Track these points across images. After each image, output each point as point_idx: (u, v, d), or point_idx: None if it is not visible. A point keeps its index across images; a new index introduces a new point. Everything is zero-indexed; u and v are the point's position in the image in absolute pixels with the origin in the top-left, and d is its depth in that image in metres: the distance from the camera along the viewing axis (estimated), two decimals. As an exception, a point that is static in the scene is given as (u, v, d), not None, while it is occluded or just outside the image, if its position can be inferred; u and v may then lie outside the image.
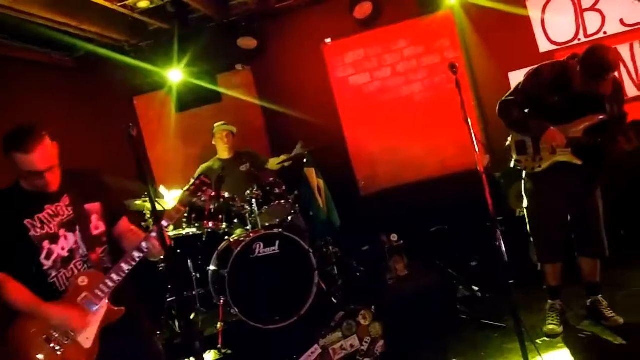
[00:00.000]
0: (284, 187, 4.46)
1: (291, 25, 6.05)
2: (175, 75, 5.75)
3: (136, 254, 2.43)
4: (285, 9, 5.93)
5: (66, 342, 2.32)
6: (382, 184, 6.09)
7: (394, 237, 4.77)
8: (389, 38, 5.95)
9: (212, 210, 4.14)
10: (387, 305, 4.03)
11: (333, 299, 4.31)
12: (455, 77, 3.02)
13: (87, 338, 2.35)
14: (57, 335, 2.32)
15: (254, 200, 4.30)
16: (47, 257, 2.37)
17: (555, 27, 5.56)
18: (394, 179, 6.06)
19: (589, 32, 5.49)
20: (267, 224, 4.36)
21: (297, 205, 4.53)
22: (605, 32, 5.45)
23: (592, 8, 5.45)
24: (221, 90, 6.12)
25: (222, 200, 4.24)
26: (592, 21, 5.46)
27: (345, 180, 5.99)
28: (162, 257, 2.46)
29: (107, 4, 4.67)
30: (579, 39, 5.52)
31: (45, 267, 2.37)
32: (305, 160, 4.65)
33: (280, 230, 4.15)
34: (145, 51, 5.95)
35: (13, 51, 5.25)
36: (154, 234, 2.41)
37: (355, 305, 3.79)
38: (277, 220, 4.44)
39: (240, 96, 6.05)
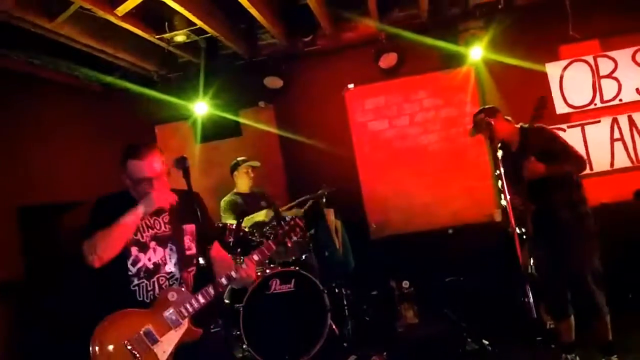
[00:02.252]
0: (302, 224, 4.50)
1: (317, 68, 6.23)
2: (201, 107, 5.88)
3: (224, 281, 2.53)
4: (312, 52, 6.11)
5: (145, 352, 2.38)
6: (392, 229, 6.14)
7: (406, 284, 4.81)
8: (410, 88, 6.13)
9: (232, 244, 4.18)
10: (397, 352, 4.03)
11: (344, 342, 4.30)
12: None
13: (164, 352, 2.41)
14: (137, 343, 2.37)
15: (272, 236, 4.34)
16: (133, 264, 2.48)
17: (573, 91, 5.74)
18: (405, 225, 6.12)
19: (605, 98, 5.67)
20: (282, 261, 4.39)
21: (311, 244, 4.58)
22: (620, 100, 5.63)
23: (609, 75, 5.64)
24: (247, 122, 6.21)
25: (241, 234, 4.29)
26: (608, 88, 5.65)
27: (356, 223, 6.05)
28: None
29: (146, 36, 4.83)
30: (595, 104, 5.70)
31: (130, 273, 2.47)
32: (324, 201, 4.71)
33: (298, 268, 4.18)
34: (173, 82, 6.10)
35: (43, 72, 5.37)
36: (244, 266, 2.52)
37: (367, 351, 3.79)
38: (293, 257, 4.48)
39: (263, 128, 6.17)
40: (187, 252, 2.57)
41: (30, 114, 5.07)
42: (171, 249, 2.53)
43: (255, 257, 2.61)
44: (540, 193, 3.54)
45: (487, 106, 4.00)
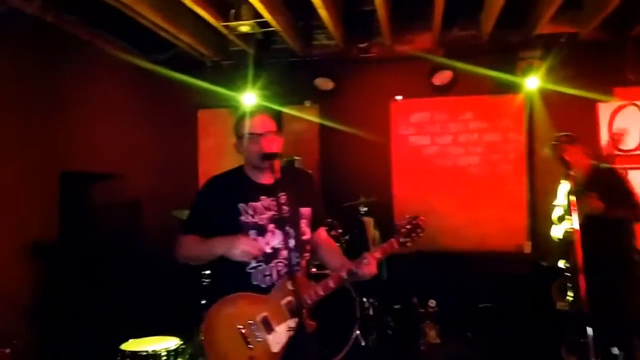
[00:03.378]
0: (340, 230, 4.50)
1: (367, 75, 6.22)
2: (249, 98, 5.88)
3: (344, 275, 2.37)
4: (365, 59, 6.10)
5: (258, 340, 2.29)
6: (419, 246, 6.08)
7: (432, 302, 4.77)
8: (457, 108, 6.10)
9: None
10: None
11: (367, 353, 4.28)
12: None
13: (278, 342, 2.31)
14: (251, 330, 2.29)
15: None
16: None
17: (621, 133, 5.69)
18: (432, 243, 6.06)
19: (654, 145, 5.62)
20: (317, 263, 4.37)
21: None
22: (668, 149, 5.58)
23: (660, 124, 5.60)
24: (291, 119, 6.19)
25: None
26: (658, 136, 5.60)
27: (383, 235, 6.02)
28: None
29: (212, 21, 4.83)
30: (641, 151, 5.65)
31: None
32: (365, 209, 4.70)
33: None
34: (223, 69, 6.11)
35: (99, 41, 5.37)
36: (365, 261, 2.35)
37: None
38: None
39: (305, 127, 6.16)
40: (303, 237, 2.45)
41: (81, 80, 5.08)
42: (289, 233, 2.37)
43: (377, 255, 2.41)
44: (591, 232, 3.50)
45: (567, 133, 3.94)
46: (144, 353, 3.58)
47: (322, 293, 2.36)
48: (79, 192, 5.01)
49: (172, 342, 3.76)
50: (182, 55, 5.96)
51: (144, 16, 4.68)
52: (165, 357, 3.62)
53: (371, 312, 4.60)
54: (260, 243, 2.35)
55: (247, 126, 2.43)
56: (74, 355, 3.98)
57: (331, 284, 2.37)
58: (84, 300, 4.58)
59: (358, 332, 4.12)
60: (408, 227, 2.47)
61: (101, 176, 5.36)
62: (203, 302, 4.47)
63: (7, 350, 3.19)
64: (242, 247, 2.26)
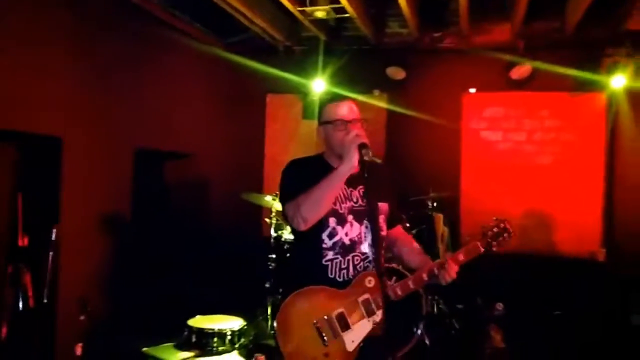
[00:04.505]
0: (407, 224, 4.40)
1: (440, 65, 6.04)
2: (319, 84, 5.84)
3: (425, 277, 2.26)
4: (439, 49, 5.93)
5: (333, 336, 2.20)
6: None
7: (500, 306, 4.60)
8: (534, 104, 5.83)
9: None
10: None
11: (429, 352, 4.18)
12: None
13: (353, 341, 2.21)
14: (326, 325, 2.20)
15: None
16: (330, 236, 2.28)
17: None
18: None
19: None
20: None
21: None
22: None
23: None
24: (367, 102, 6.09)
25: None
26: None
27: (451, 233, 5.87)
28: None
29: (289, 6, 4.81)
30: None
31: (324, 246, 2.27)
32: (435, 205, 4.57)
33: (400, 266, 4.07)
34: (295, 55, 6.10)
35: (177, 22, 5.45)
36: (446, 266, 2.23)
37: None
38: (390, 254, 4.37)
39: (373, 117, 6.05)
40: (381, 233, 2.34)
41: (159, 60, 5.18)
42: (367, 227, 2.27)
43: (461, 257, 2.28)
44: None
45: None
46: (210, 331, 3.63)
47: (401, 294, 2.26)
48: (152, 169, 5.13)
49: (236, 323, 3.81)
50: (254, 40, 5.99)
51: (225, 0, 4.70)
52: (229, 337, 3.67)
53: (435, 311, 4.49)
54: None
55: (335, 112, 2.33)
56: (143, 326, 4.08)
57: (411, 284, 2.27)
58: (154, 274, 4.70)
59: (421, 330, 4.02)
60: (495, 230, 2.31)
61: (174, 155, 5.47)
62: (267, 285, 4.50)
63: (82, 316, 3.29)
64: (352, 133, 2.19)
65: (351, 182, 2.30)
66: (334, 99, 2.42)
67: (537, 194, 5.82)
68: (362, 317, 2.21)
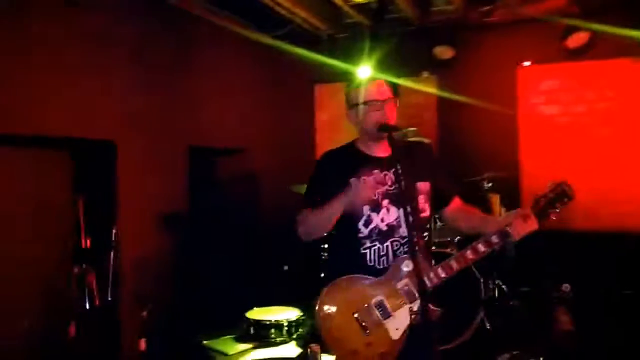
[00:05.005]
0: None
1: (491, 41, 5.80)
2: (365, 71, 5.75)
3: (495, 239, 2.12)
4: (489, 24, 5.70)
5: (376, 325, 2.15)
6: (547, 224, 5.66)
7: (566, 287, 4.40)
8: (594, 74, 5.50)
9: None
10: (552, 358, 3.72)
11: (493, 337, 4.06)
12: None
13: (397, 329, 2.14)
14: (367, 314, 2.15)
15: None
16: (365, 224, 2.23)
17: None
18: (563, 222, 5.61)
19: None
20: (437, 241, 4.21)
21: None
22: None
23: None
24: (416, 85, 5.98)
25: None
26: None
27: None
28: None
29: (328, -8, 4.76)
30: None
31: (360, 235, 2.23)
32: (490, 185, 4.42)
33: (455, 251, 3.97)
34: (339, 43, 6.04)
35: (219, 19, 5.50)
36: (522, 214, 2.11)
37: (522, 352, 3.52)
38: (449, 238, 4.27)
39: (423, 99, 5.91)
40: (422, 214, 2.27)
41: (207, 58, 5.26)
42: (405, 210, 2.15)
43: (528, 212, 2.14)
44: None
45: None
46: (268, 322, 3.68)
47: (443, 275, 2.14)
48: (205, 166, 5.25)
49: (293, 313, 3.84)
50: (298, 31, 5.96)
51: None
52: (287, 327, 3.70)
53: (497, 294, 4.35)
54: (375, 176, 2.21)
55: (363, 94, 2.29)
56: (204, 319, 4.20)
57: (454, 263, 2.13)
58: (212, 268, 4.82)
59: (482, 314, 3.90)
60: (551, 195, 2.17)
61: (225, 151, 5.57)
62: (322, 275, 4.50)
63: (144, 313, 3.41)
64: (361, 195, 2.15)
65: (385, 165, 2.26)
66: (363, 80, 2.36)
67: (600, 168, 5.51)
68: (404, 304, 2.14)
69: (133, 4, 4.32)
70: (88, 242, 3.71)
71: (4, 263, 3.48)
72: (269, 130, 6.22)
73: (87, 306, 3.55)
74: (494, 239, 2.13)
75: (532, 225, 2.12)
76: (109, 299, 3.68)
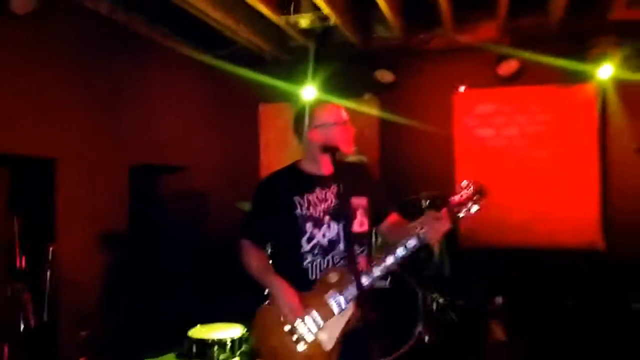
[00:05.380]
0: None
1: (428, 66, 6.09)
2: (309, 91, 5.89)
3: (412, 242, 2.17)
4: (426, 50, 5.98)
5: (309, 339, 2.21)
6: (484, 241, 5.94)
7: (499, 299, 4.62)
8: (524, 98, 5.87)
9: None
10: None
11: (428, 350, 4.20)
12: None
13: (331, 338, 2.20)
14: (300, 329, 2.21)
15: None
16: (308, 241, 2.31)
17: None
18: (498, 238, 5.90)
19: None
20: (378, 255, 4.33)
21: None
22: None
23: None
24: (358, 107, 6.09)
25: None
26: None
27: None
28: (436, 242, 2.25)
29: (272, 16, 4.88)
30: None
31: (302, 250, 2.31)
32: (428, 203, 4.61)
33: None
34: (283, 64, 6.16)
35: (160, 37, 5.47)
36: (433, 215, 2.17)
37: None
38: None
39: (365, 120, 6.08)
40: (360, 229, 2.36)
41: (147, 77, 5.25)
42: (344, 225, 2.27)
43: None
44: None
45: None
46: (210, 340, 3.66)
47: (366, 281, 2.18)
48: (147, 184, 5.19)
49: (237, 330, 3.83)
50: (242, 51, 6.05)
51: (204, 12, 4.77)
52: (230, 345, 3.69)
53: (434, 308, 4.51)
54: (295, 306, 2.23)
55: (332, 113, 2.38)
56: (144, 339, 4.12)
57: (388, 260, 2.18)
58: (152, 287, 4.74)
59: (421, 327, 4.04)
60: (465, 194, 2.20)
61: (168, 169, 5.53)
62: (266, 292, 4.52)
63: (83, 333, 3.34)
64: (285, 310, 2.23)
65: (324, 183, 2.36)
66: (322, 102, 2.52)
67: (533, 187, 5.85)
68: (332, 314, 2.21)
69: (77, 19, 4.29)
70: (23, 261, 3.60)
71: None
72: (214, 148, 6.23)
73: (22, 327, 3.43)
74: (411, 242, 2.19)
75: (446, 225, 2.18)
76: (45, 319, 3.57)
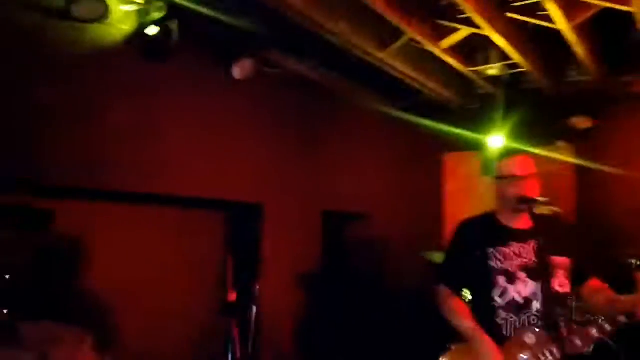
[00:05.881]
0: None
1: (631, 110, 5.57)
2: (496, 140, 5.76)
3: (622, 319, 2.14)
4: (628, 94, 5.49)
5: None
6: None
7: None
8: None
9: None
10: None
11: None
12: None
13: None
14: None
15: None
16: (501, 295, 2.32)
17: None
18: None
19: None
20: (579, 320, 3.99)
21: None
22: None
23: None
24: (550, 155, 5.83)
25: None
26: None
27: None
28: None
29: (461, 68, 4.94)
30: None
31: (496, 305, 2.31)
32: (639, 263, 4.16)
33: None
34: (470, 112, 6.14)
35: (352, 93, 5.84)
36: None
37: None
38: (587, 316, 4.02)
39: (558, 170, 5.73)
40: (560, 290, 2.29)
41: (338, 129, 5.65)
42: (542, 284, 2.24)
43: None
44: None
45: None
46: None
47: (581, 344, 2.12)
48: (336, 230, 5.51)
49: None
50: (426, 101, 6.16)
51: (396, 68, 4.99)
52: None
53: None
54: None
55: (508, 168, 2.38)
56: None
57: (578, 342, 2.13)
58: (343, 327, 4.96)
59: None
60: None
61: (354, 216, 5.81)
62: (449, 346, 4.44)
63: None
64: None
65: (523, 237, 2.32)
66: (508, 153, 2.48)
67: None
68: None
69: (282, 82, 4.83)
70: (234, 295, 4.04)
71: (158, 313, 3.87)
72: (397, 197, 6.36)
73: (229, 358, 3.82)
74: (621, 318, 2.11)
75: None
76: (249, 351, 3.93)
